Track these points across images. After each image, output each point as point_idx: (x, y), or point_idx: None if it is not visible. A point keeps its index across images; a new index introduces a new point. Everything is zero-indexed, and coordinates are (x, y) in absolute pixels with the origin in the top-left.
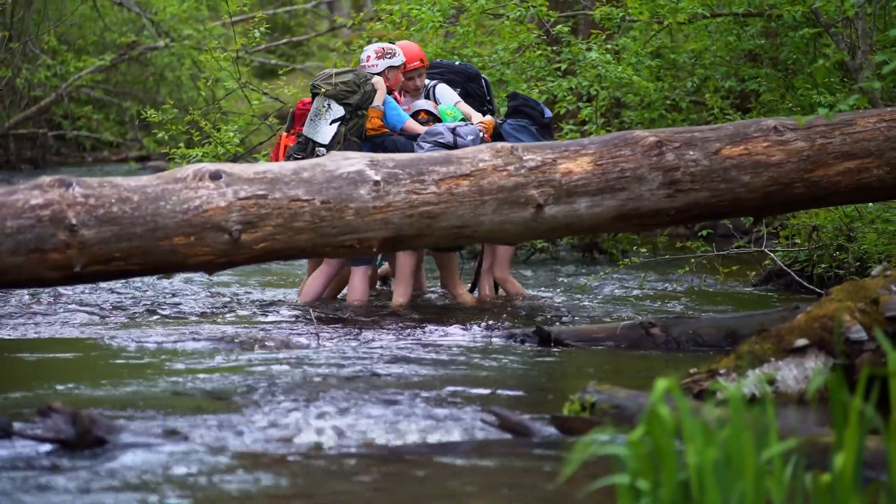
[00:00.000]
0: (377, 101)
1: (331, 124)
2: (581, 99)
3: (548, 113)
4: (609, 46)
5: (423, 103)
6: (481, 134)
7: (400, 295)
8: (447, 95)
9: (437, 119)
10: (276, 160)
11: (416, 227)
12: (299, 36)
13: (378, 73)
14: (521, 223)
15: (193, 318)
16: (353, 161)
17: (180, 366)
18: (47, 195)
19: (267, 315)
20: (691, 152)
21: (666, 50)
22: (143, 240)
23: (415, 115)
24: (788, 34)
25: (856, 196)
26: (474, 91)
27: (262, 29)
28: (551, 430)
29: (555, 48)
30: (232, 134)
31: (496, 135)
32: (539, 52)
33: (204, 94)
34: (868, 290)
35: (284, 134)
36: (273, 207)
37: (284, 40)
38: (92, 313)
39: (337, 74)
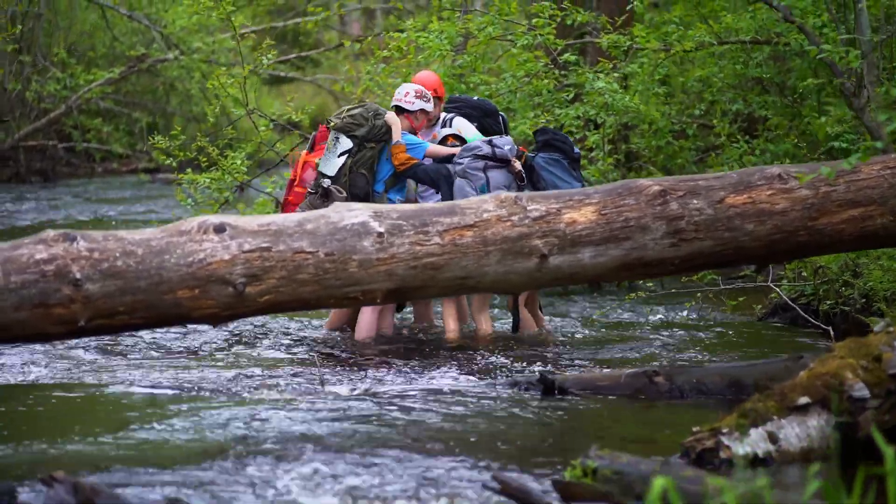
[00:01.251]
0: (395, 136)
1: (338, 157)
2: (588, 126)
3: (577, 149)
4: (616, 74)
5: (448, 129)
6: (516, 147)
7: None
8: (465, 128)
9: (465, 142)
10: (297, 178)
11: (419, 278)
12: (307, 49)
13: (410, 111)
14: (525, 273)
15: (198, 355)
16: (357, 212)
17: (181, 416)
18: (52, 249)
19: (272, 351)
20: (695, 201)
21: (674, 76)
22: (147, 293)
23: (443, 142)
24: (795, 60)
25: (860, 244)
26: (491, 127)
27: (269, 56)
28: (553, 496)
29: (563, 72)
30: (239, 161)
31: (528, 167)
32: (546, 79)
33: (211, 120)
34: (871, 346)
35: (305, 153)
36: (277, 260)
37: (293, 55)
38: (94, 351)
39: (349, 109)
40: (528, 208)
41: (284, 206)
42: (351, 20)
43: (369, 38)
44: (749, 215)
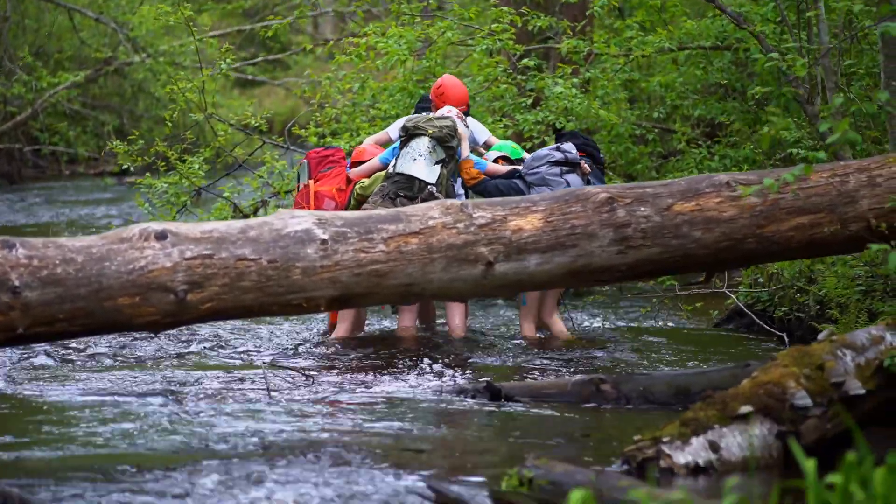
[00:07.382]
0: (464, 151)
1: (435, 165)
2: (549, 132)
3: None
4: (576, 80)
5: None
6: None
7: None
8: (479, 128)
9: (512, 161)
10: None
11: (364, 285)
12: (276, 52)
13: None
14: (470, 281)
15: (145, 361)
16: (301, 219)
17: (120, 424)
18: None
19: (220, 355)
20: (642, 208)
21: (636, 81)
22: (87, 301)
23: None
24: (756, 65)
25: (809, 251)
26: None
27: (228, 60)
28: None
29: (523, 76)
30: (197, 166)
31: None
32: (505, 85)
33: (170, 124)
34: (813, 355)
35: (312, 182)
36: (219, 267)
37: (260, 58)
38: (42, 355)
39: (437, 118)
40: (474, 215)
41: None
42: (323, 23)
43: (330, 44)
44: (697, 223)
